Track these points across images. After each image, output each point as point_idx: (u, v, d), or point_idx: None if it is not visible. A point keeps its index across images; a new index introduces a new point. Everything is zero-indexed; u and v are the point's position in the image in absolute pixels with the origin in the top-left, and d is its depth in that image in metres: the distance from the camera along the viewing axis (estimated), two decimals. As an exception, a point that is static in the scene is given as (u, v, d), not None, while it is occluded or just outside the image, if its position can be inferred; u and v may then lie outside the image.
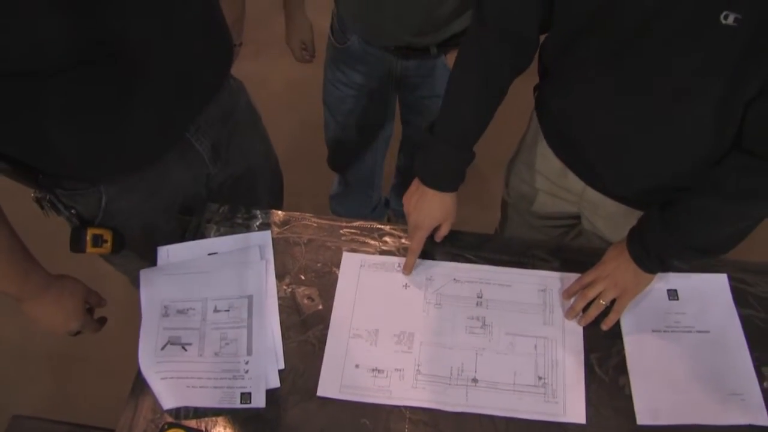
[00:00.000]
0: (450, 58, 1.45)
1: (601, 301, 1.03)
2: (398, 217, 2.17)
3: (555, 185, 1.25)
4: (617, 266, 1.04)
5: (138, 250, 1.17)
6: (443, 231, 1.12)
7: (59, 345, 1.93)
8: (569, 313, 1.05)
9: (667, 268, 1.02)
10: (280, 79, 2.56)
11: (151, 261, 1.15)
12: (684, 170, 1.01)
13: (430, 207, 1.10)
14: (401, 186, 2.05)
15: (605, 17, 0.89)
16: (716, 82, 0.84)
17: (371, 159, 1.86)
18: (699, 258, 1.05)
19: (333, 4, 1.51)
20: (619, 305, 1.04)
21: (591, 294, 1.04)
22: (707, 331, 1.04)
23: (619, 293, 1.03)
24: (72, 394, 1.90)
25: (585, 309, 1.05)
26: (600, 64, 0.95)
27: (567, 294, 1.07)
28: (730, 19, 0.76)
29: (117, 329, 1.26)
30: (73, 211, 1.08)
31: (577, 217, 1.30)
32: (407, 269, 1.11)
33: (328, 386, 1.00)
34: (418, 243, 1.10)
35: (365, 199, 2.02)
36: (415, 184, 1.12)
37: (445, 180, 1.10)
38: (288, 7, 1.57)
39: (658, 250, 1.00)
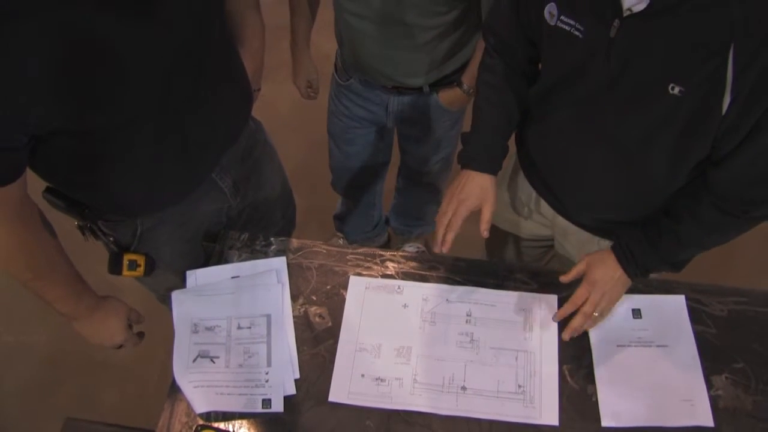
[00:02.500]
0: (442, 95, 1.59)
1: (595, 314, 1.14)
2: (397, 234, 2.29)
3: (532, 211, 1.38)
4: (614, 285, 1.14)
5: (166, 272, 1.29)
6: (486, 215, 1.16)
7: (84, 351, 2.02)
8: (568, 332, 1.14)
9: (647, 276, 1.14)
10: (288, 101, 2.61)
11: (178, 281, 1.26)
12: (638, 206, 1.15)
13: (471, 186, 1.17)
14: (400, 206, 2.18)
15: (573, 79, 1.04)
16: (667, 137, 0.99)
17: (372, 183, 1.98)
18: (673, 270, 1.17)
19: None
20: (605, 311, 1.15)
21: (590, 312, 1.13)
22: (665, 346, 1.17)
23: (611, 304, 1.15)
24: (96, 396, 2.01)
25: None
26: (569, 114, 1.09)
27: (560, 315, 1.15)
28: (676, 90, 0.91)
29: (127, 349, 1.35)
30: (111, 238, 1.20)
31: (552, 239, 1.44)
32: (446, 246, 1.15)
33: (337, 393, 1.12)
34: (457, 219, 1.15)
35: (367, 219, 2.14)
36: (459, 174, 1.20)
37: (485, 161, 1.19)
38: (295, 51, 1.68)
39: (645, 263, 1.12)
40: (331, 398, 1.12)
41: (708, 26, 0.86)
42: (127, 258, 1.21)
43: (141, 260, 1.22)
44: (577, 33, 0.99)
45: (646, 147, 1.03)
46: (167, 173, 1.11)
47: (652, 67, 0.93)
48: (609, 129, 1.05)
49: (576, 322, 1.14)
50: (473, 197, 1.17)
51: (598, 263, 1.15)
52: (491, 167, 1.19)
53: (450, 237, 1.15)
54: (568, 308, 1.15)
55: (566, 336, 1.15)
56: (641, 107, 0.98)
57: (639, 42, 0.92)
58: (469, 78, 1.53)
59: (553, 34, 1.02)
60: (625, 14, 0.91)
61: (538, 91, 1.15)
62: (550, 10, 1.01)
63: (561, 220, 1.31)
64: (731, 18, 0.84)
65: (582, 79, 1.02)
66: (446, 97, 1.58)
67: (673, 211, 1.09)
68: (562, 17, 1.00)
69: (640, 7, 0.89)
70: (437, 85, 1.57)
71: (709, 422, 1.09)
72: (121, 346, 1.25)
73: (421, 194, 2.05)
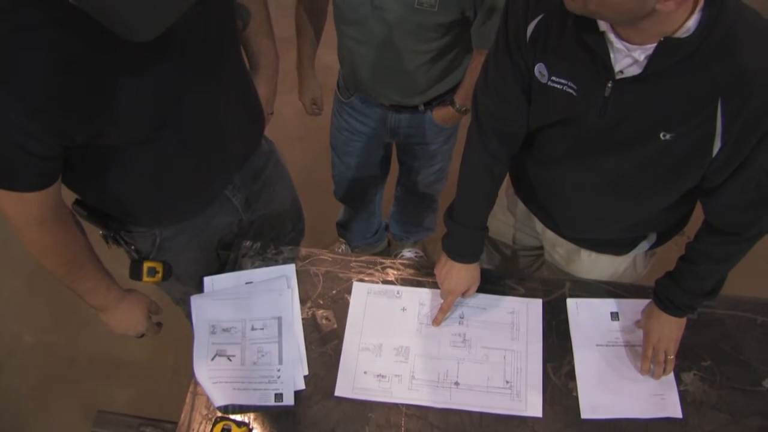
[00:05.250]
0: (436, 113, 1.70)
1: (670, 357, 1.23)
2: (396, 240, 2.39)
3: (523, 224, 1.49)
4: (663, 330, 1.23)
5: (182, 278, 1.39)
6: (471, 293, 1.32)
7: (100, 350, 2.14)
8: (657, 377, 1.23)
9: (693, 310, 1.24)
10: (292, 110, 2.69)
11: (193, 286, 1.36)
12: (625, 226, 1.24)
13: (458, 276, 1.30)
14: (398, 213, 2.28)
15: (566, 124, 1.09)
16: (655, 174, 1.07)
17: (372, 192, 2.09)
18: (711, 299, 1.24)
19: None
20: (671, 350, 1.23)
21: (662, 359, 1.23)
22: (640, 345, 1.28)
23: (672, 342, 1.24)
24: (113, 393, 2.09)
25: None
26: (561, 148, 1.15)
27: (645, 370, 1.23)
28: (668, 137, 0.99)
29: (148, 337, 1.42)
30: (132, 247, 1.30)
31: (542, 248, 1.55)
32: (436, 324, 1.30)
33: (342, 388, 1.22)
34: (449, 305, 1.30)
35: (368, 226, 2.24)
36: (444, 258, 1.31)
37: (468, 255, 1.30)
38: (300, 71, 1.77)
39: (681, 303, 1.21)
40: (337, 393, 1.22)
41: (695, 85, 0.92)
42: (146, 265, 1.30)
43: (159, 267, 1.31)
44: (570, 90, 1.03)
45: (636, 180, 1.10)
46: (180, 189, 1.20)
47: (644, 119, 1.00)
48: (600, 163, 1.12)
49: (657, 373, 1.24)
50: (462, 286, 1.30)
51: (647, 317, 1.27)
52: (475, 258, 1.31)
53: (441, 317, 1.31)
54: (645, 364, 1.24)
55: (658, 377, 1.24)
56: (632, 150, 1.05)
57: (632, 100, 0.98)
58: (461, 97, 1.63)
59: (544, 91, 1.06)
60: (617, 77, 0.96)
61: (530, 127, 1.19)
62: (540, 70, 1.05)
63: (550, 234, 1.40)
64: (715, 77, 0.90)
65: (574, 125, 1.08)
66: (440, 114, 1.69)
67: (688, 255, 1.19)
68: (553, 78, 1.04)
69: (632, 72, 0.95)
70: (432, 104, 1.68)
71: (678, 414, 1.20)
72: (142, 335, 1.35)
73: (419, 203, 2.15)
